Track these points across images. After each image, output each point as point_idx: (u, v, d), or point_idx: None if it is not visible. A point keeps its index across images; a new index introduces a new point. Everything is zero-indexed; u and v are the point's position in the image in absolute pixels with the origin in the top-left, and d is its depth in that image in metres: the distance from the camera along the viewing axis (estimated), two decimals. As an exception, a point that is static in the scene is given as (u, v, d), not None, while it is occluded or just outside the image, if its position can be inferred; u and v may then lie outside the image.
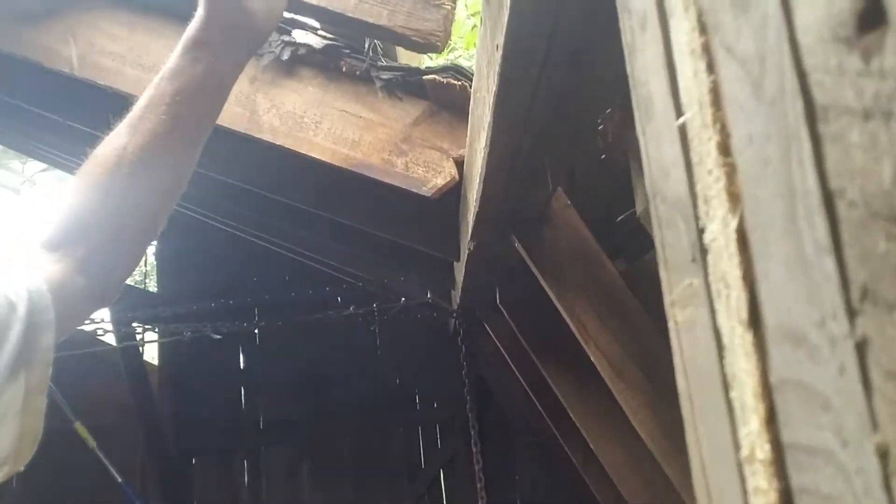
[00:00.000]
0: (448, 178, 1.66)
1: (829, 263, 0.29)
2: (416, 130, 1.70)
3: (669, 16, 0.41)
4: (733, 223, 0.35)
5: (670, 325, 0.43)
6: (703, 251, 0.38)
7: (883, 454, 0.26)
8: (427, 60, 2.74)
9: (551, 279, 1.52)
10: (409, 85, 1.72)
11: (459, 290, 2.32)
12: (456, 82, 1.63)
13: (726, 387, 0.37)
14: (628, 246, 1.72)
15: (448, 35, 1.55)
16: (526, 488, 3.86)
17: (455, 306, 2.78)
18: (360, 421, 3.95)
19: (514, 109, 1.11)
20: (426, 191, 1.67)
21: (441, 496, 3.95)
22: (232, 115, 1.72)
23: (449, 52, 3.90)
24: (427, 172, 1.67)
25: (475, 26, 3.70)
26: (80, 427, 3.42)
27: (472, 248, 1.72)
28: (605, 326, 1.45)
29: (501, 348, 2.53)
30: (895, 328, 0.26)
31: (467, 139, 1.57)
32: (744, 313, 0.35)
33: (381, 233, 2.19)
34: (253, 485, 4.04)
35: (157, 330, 3.64)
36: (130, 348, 3.84)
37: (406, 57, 1.99)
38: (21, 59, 1.93)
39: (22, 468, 0.83)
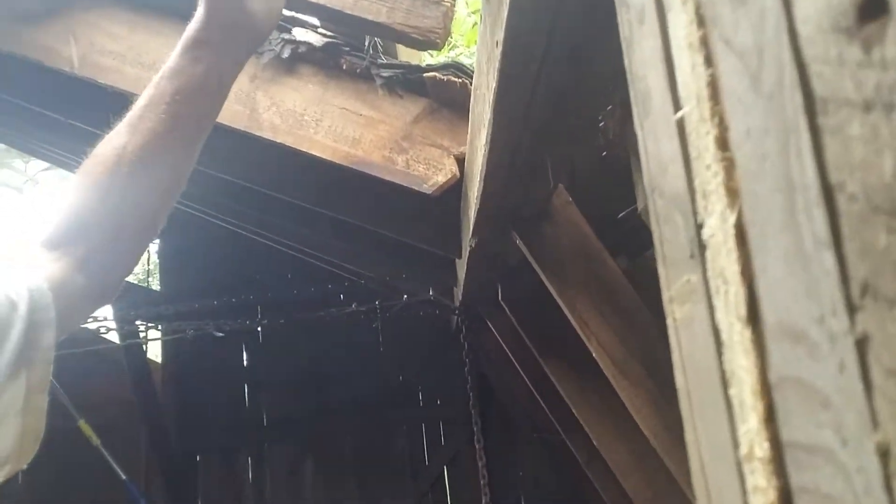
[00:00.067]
0: (449, 176, 1.66)
1: (829, 258, 0.28)
2: (417, 128, 1.70)
3: (667, 9, 0.41)
4: (732, 218, 0.35)
5: (669, 321, 0.43)
6: (702, 247, 0.38)
7: (883, 453, 0.26)
8: (427, 58, 2.73)
9: (553, 276, 1.52)
10: (409, 82, 1.71)
11: (461, 287, 2.32)
12: (456, 79, 1.63)
13: (725, 384, 0.36)
14: (630, 243, 1.71)
15: (448, 32, 1.55)
16: (529, 485, 3.86)
17: (457, 303, 2.78)
18: (363, 418, 3.95)
19: (514, 106, 1.10)
20: (427, 188, 1.66)
21: (445, 493, 3.95)
22: (232, 113, 1.72)
23: (449, 49, 3.90)
24: (428, 170, 1.67)
25: (476, 24, 3.69)
26: (83, 425, 3.44)
27: (473, 245, 1.72)
28: (607, 323, 1.45)
29: (504, 345, 2.53)
30: (896, 324, 0.25)
31: (468, 136, 1.56)
32: (742, 310, 0.35)
33: (382, 230, 2.19)
34: (256, 482, 4.05)
35: (159, 328, 3.64)
36: (134, 346, 3.85)
37: (406, 54, 1.98)
38: (21, 59, 1.94)
39: (24, 467, 0.83)
